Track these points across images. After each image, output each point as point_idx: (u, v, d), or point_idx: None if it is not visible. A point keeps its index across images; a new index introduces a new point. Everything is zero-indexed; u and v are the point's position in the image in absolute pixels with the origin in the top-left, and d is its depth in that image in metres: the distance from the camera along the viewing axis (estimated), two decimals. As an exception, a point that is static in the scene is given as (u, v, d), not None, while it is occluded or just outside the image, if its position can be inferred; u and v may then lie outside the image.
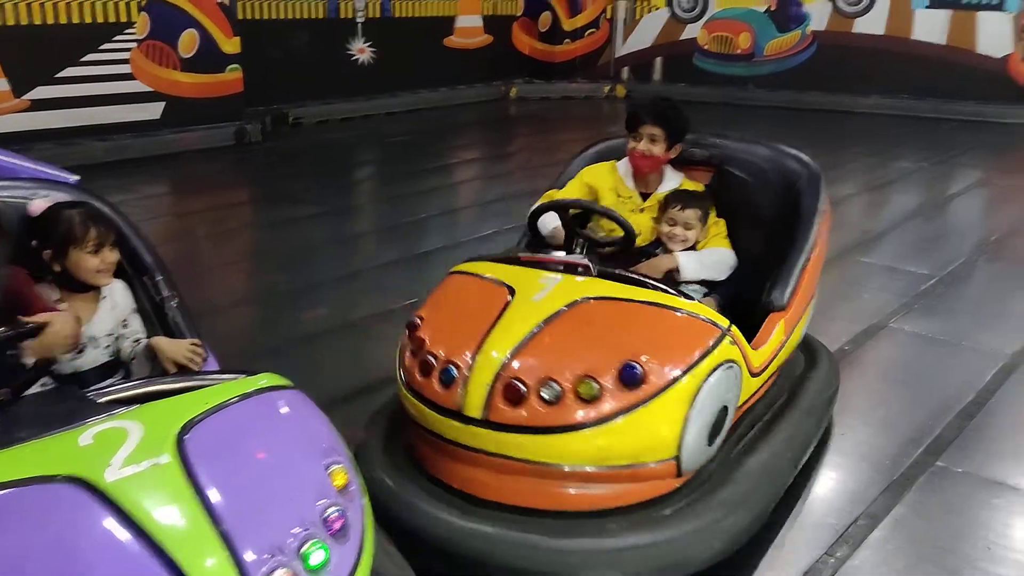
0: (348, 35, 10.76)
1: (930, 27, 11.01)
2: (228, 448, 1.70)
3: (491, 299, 2.56)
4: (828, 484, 3.03)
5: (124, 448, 1.62)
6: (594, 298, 2.51)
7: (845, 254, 5.45)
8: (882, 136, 9.70)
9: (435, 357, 2.47)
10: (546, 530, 2.29)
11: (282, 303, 4.72)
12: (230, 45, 8.79)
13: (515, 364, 2.35)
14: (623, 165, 3.32)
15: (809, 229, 3.06)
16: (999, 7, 10.66)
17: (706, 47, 12.18)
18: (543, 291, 2.55)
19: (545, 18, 12.79)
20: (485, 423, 2.34)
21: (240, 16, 9.11)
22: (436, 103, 11.34)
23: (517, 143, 10.08)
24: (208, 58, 8.62)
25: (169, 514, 1.51)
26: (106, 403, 1.81)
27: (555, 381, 2.31)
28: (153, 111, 8.37)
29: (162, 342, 2.35)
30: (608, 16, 12.73)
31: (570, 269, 2.65)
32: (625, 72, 12.78)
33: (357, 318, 4.47)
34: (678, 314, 2.51)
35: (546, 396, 2.31)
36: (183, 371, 2.27)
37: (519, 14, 12.81)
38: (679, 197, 3.12)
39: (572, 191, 3.31)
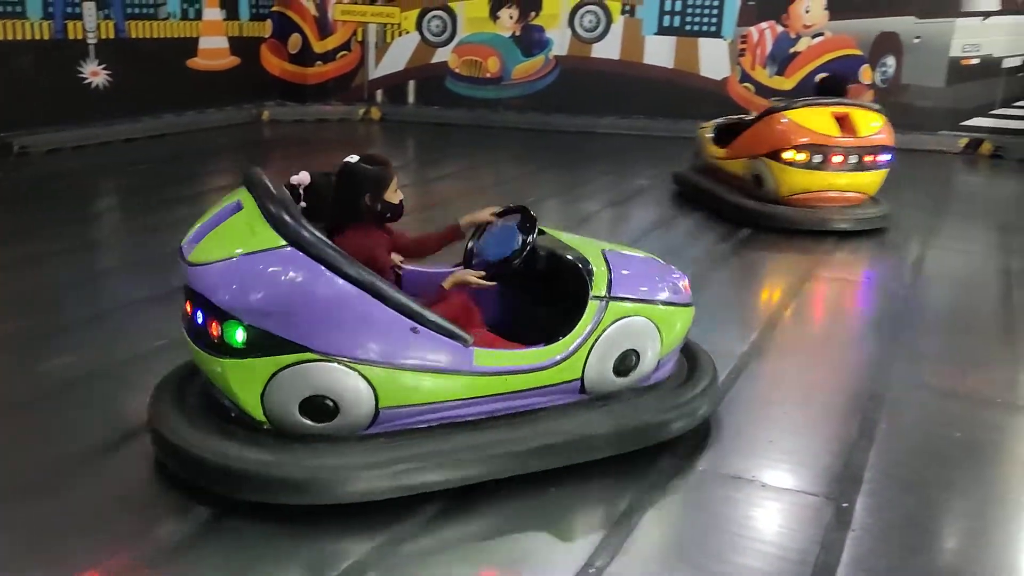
0: (79, 57, 10.05)
1: (659, 52, 11.96)
2: (622, 258, 3.59)
3: None
4: (582, 496, 3.22)
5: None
6: None
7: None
8: (620, 154, 10.40)
9: None
10: None
11: (21, 352, 4.33)
12: (-61, 68, 7.96)
13: None
14: None
15: None
16: (717, 34, 11.78)
17: (457, 71, 12.51)
18: None
19: (295, 40, 12.60)
20: None
21: (-50, 36, 8.27)
22: (183, 128, 10.84)
23: (273, 167, 9.83)
24: (-87, 83, 7.75)
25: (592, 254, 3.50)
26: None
27: None
28: None
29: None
30: (359, 39, 12.75)
31: None
32: (379, 95, 12.85)
33: (108, 364, 4.19)
34: None
35: None
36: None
37: (267, 35, 12.54)
38: None
39: None
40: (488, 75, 12.42)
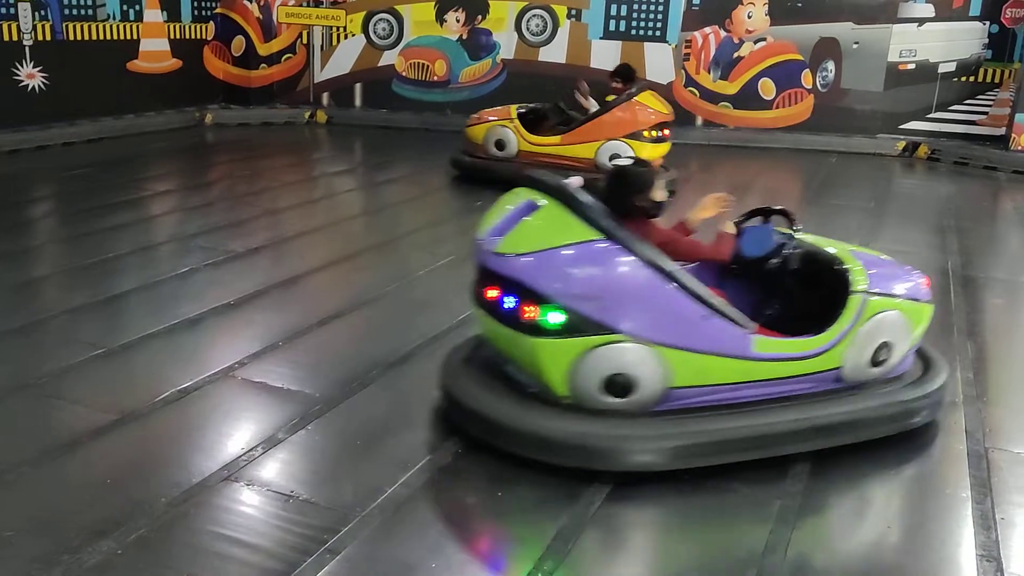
0: (14, 59, 9.78)
1: (605, 56, 12.01)
2: (870, 257, 3.90)
3: None
4: (533, 497, 3.21)
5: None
6: None
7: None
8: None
9: None
10: None
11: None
12: None
13: None
14: None
15: None
16: (662, 39, 11.88)
17: (404, 74, 12.44)
18: None
19: (238, 42, 12.41)
20: None
21: None
22: (122, 131, 10.60)
23: (217, 172, 9.69)
24: None
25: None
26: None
27: None
28: None
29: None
30: (304, 41, 12.61)
31: None
32: (325, 98, 12.72)
33: (37, 376, 4.05)
34: None
35: None
36: None
37: (210, 38, 12.34)
38: None
39: None
40: (435, 78, 12.38)
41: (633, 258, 3.22)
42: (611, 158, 7.84)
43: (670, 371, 3.30)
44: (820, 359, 3.54)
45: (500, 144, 8.43)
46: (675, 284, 3.25)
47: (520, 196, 3.50)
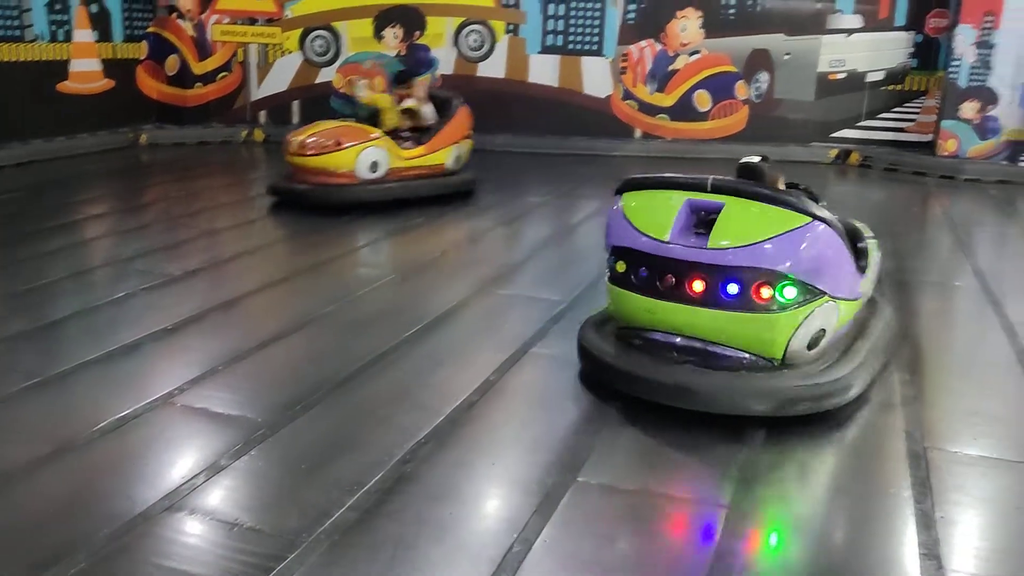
0: (-63, 81, 9.52)
1: (543, 71, 12.12)
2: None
3: None
4: (483, 514, 3.19)
5: None
6: None
7: (485, 287, 5.80)
8: (511, 172, 10.46)
9: None
10: None
11: None
12: None
13: None
14: None
15: None
16: (598, 53, 12.01)
17: (342, 90, 12.38)
18: None
19: (172, 61, 12.25)
20: None
21: None
22: (53, 154, 10.36)
23: (152, 193, 9.50)
24: None
25: None
26: None
27: None
28: None
29: None
30: (240, 59, 12.48)
31: None
32: (262, 116, 12.60)
33: (-30, 407, 3.93)
34: None
35: None
36: None
37: (143, 57, 12.14)
38: None
39: None
40: (374, 95, 12.33)
41: (835, 232, 3.91)
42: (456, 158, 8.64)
43: (840, 320, 4.00)
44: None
45: (375, 166, 8.05)
46: (848, 246, 4.03)
47: (665, 197, 3.99)
